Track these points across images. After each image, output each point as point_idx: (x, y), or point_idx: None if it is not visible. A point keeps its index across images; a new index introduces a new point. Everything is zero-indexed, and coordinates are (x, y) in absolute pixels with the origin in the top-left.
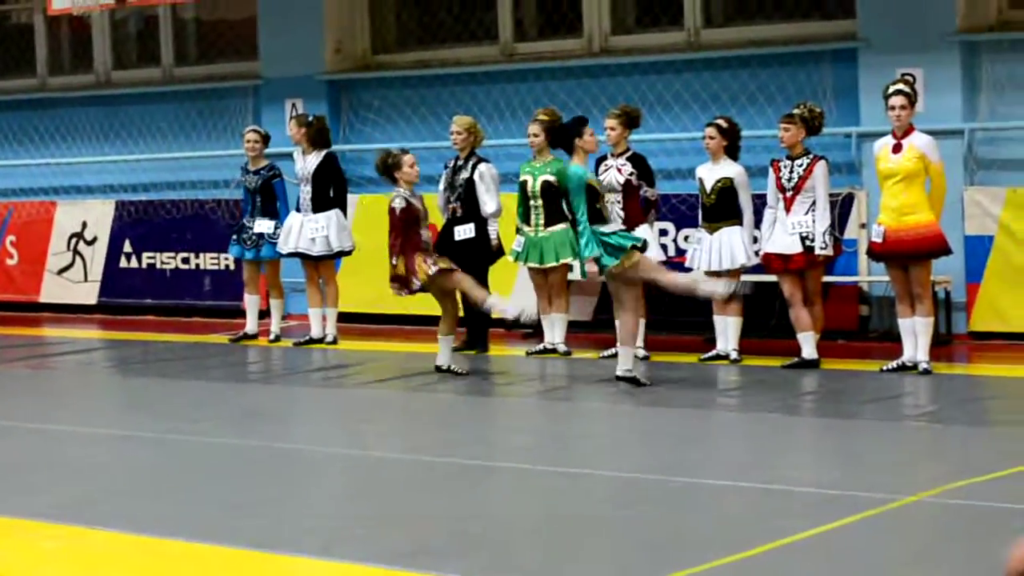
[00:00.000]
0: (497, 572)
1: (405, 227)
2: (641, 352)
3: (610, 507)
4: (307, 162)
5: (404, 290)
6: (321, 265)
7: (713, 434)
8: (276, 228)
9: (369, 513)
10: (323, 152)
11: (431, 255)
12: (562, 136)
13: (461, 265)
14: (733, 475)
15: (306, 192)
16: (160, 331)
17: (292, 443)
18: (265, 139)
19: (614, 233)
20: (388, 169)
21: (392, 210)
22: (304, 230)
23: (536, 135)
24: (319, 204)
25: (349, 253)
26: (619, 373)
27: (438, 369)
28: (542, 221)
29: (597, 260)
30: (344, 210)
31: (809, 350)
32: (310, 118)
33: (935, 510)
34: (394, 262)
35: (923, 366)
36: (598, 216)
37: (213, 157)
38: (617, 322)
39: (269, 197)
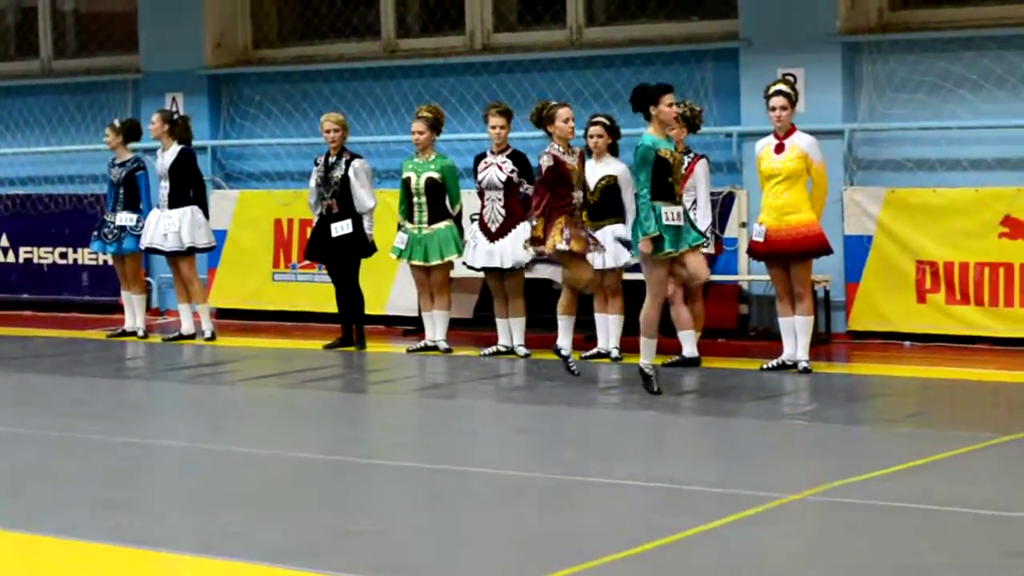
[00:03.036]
0: (380, 570)
1: (551, 186)
2: (523, 350)
3: (493, 505)
4: (165, 158)
5: (541, 253)
6: (180, 261)
7: (595, 432)
8: (138, 221)
9: (248, 510)
10: (179, 148)
11: (575, 225)
12: (640, 102)
13: (338, 261)
14: (616, 473)
15: (164, 188)
16: (37, 326)
17: (169, 440)
18: (128, 133)
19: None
20: (541, 121)
21: (539, 167)
22: (159, 226)
23: (420, 132)
24: (175, 200)
25: (207, 250)
26: (641, 365)
27: (558, 353)
28: (425, 218)
29: (655, 240)
30: (204, 207)
31: (690, 348)
32: (175, 115)
33: (817, 508)
34: (534, 223)
35: (803, 365)
36: (667, 192)
37: (92, 151)
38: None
39: (132, 190)
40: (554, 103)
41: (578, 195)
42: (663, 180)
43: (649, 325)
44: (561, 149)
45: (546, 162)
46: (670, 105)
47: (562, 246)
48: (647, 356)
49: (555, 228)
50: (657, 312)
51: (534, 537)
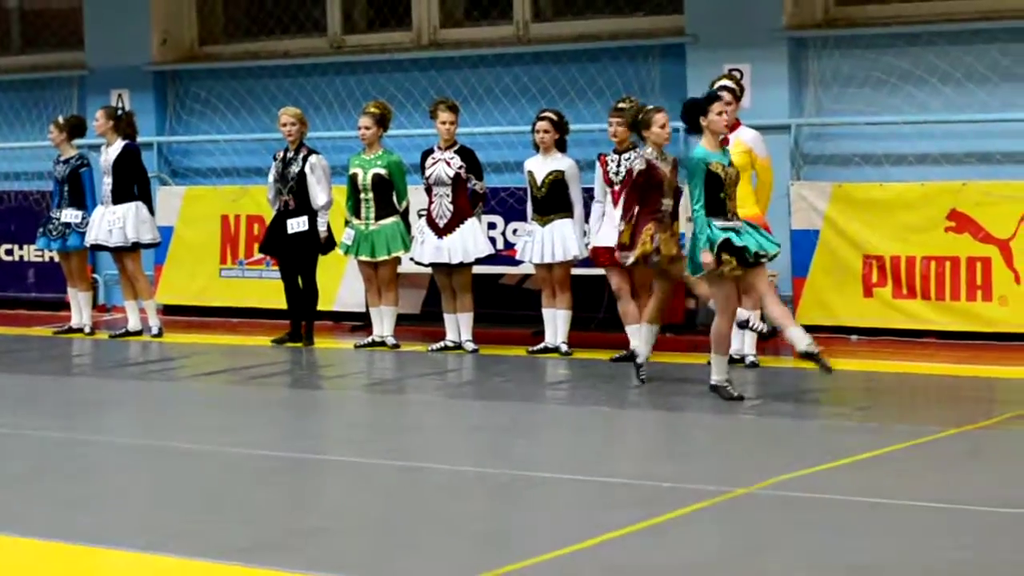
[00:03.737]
0: (332, 566)
1: (642, 191)
2: (471, 346)
3: (442, 500)
4: (109, 153)
5: (628, 259)
6: (125, 257)
7: (543, 427)
8: (84, 218)
9: (200, 507)
10: (123, 143)
11: (664, 229)
12: (690, 116)
13: (293, 258)
14: (564, 468)
15: (107, 184)
16: None
17: (117, 437)
18: (72, 129)
19: (734, 230)
20: (637, 125)
21: (630, 171)
22: (103, 222)
23: (367, 128)
24: (120, 196)
25: (151, 246)
26: (712, 382)
27: (633, 359)
28: (372, 214)
29: (719, 256)
30: (148, 202)
31: (637, 343)
32: (119, 111)
33: (765, 502)
34: (621, 227)
35: (750, 359)
36: (720, 207)
37: (37, 148)
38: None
39: (77, 187)
40: (651, 107)
41: (668, 202)
42: (715, 196)
43: (720, 341)
44: (655, 155)
45: (639, 166)
46: (719, 114)
47: (653, 257)
48: (719, 372)
49: (644, 234)
50: (728, 327)
51: (483, 532)
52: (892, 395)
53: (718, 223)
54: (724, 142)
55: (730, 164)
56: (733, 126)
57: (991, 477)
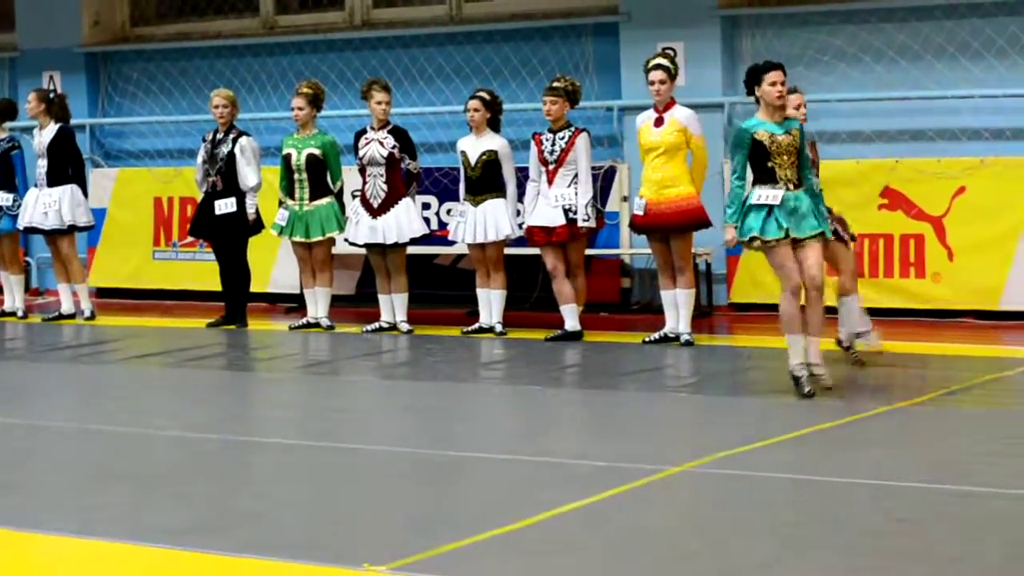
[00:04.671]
0: (266, 548)
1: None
2: (405, 327)
3: (377, 481)
4: (43, 136)
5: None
6: (59, 240)
7: (479, 407)
8: (14, 201)
9: (132, 490)
10: (57, 126)
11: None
12: (748, 84)
13: (222, 239)
14: (500, 448)
15: (42, 166)
16: None
17: (50, 420)
18: (2, 113)
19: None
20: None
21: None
22: (38, 204)
23: (300, 108)
24: (54, 178)
25: (86, 229)
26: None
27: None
28: (307, 195)
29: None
30: (82, 185)
31: (572, 323)
32: (51, 93)
33: (702, 479)
34: None
35: (685, 337)
36: (769, 175)
37: None
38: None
39: (7, 170)
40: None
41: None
42: (762, 164)
43: (788, 321)
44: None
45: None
46: (772, 84)
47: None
48: (794, 356)
49: None
50: (789, 303)
51: (417, 514)
52: (826, 372)
53: (761, 190)
54: (659, 121)
55: (786, 133)
56: (668, 105)
57: (921, 453)
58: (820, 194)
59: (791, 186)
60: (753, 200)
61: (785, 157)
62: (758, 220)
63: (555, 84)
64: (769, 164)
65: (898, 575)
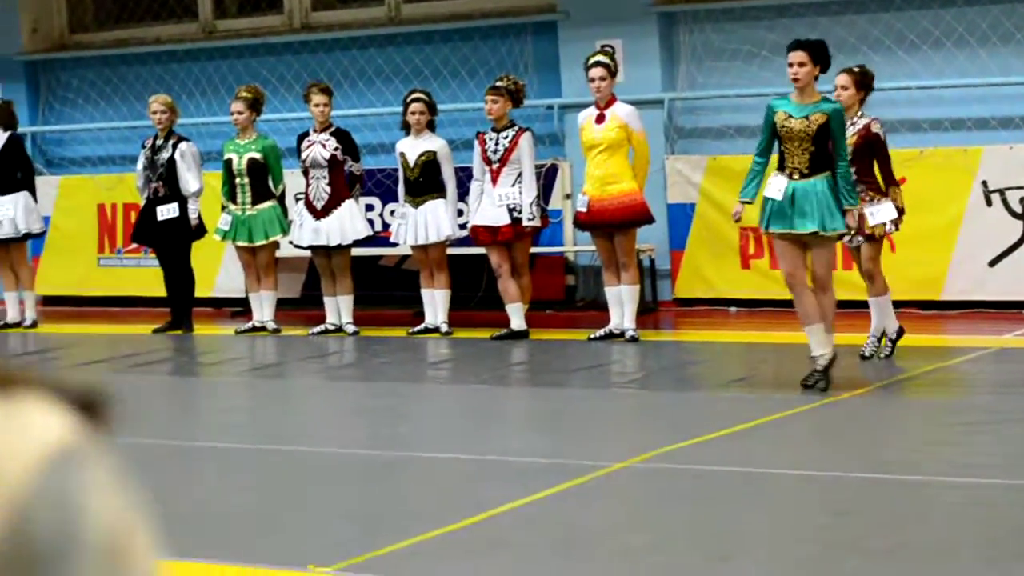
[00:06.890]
0: (208, 551)
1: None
2: (351, 328)
3: (322, 483)
4: None
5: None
6: (12, 248)
7: (425, 408)
8: None
9: None
10: (7, 134)
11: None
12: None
13: (164, 245)
14: (445, 447)
15: None
16: None
17: None
18: None
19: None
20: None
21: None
22: None
23: (240, 112)
24: (5, 186)
25: (39, 236)
26: (821, 364)
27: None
28: (249, 199)
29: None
30: (32, 192)
31: (517, 321)
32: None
33: (646, 475)
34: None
35: (630, 333)
36: (780, 160)
37: None
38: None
39: None
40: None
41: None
42: (778, 146)
43: (803, 314)
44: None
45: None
46: (790, 65)
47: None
48: (816, 347)
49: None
50: (795, 294)
51: (362, 514)
52: (769, 366)
53: (773, 178)
54: (600, 118)
55: (803, 118)
56: (609, 102)
57: (862, 444)
58: (850, 185)
59: (797, 175)
60: (765, 191)
61: (795, 143)
62: (765, 212)
63: (497, 83)
64: (781, 148)
65: (838, 566)
